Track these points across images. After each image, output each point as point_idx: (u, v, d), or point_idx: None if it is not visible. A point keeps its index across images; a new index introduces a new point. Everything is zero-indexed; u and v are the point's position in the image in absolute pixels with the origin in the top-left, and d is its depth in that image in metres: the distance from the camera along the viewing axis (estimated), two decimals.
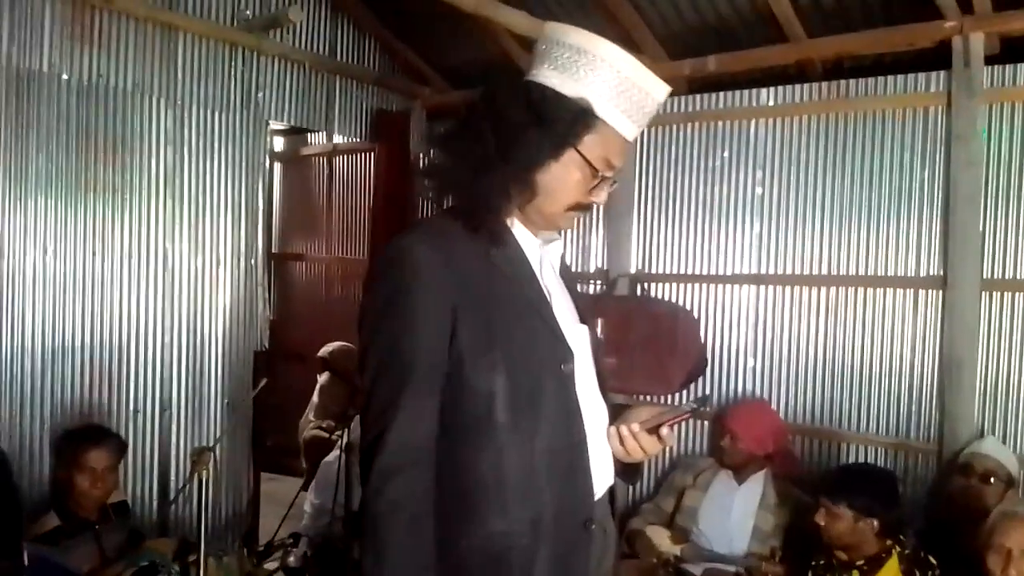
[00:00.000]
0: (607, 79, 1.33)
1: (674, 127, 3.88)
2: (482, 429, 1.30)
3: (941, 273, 3.21)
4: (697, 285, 3.83)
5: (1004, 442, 3.03)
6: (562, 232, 1.50)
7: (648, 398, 3.72)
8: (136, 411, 3.43)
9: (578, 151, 1.33)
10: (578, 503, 1.37)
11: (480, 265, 1.32)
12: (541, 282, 1.40)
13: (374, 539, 1.25)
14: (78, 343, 3.25)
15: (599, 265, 4.09)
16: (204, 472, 2.63)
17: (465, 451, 1.30)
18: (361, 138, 4.54)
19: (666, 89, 1.39)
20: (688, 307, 3.82)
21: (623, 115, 1.35)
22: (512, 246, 1.38)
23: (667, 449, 3.75)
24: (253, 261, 3.83)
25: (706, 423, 3.75)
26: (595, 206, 1.42)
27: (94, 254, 3.29)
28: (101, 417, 3.26)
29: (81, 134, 3.24)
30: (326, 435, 4.70)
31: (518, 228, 1.40)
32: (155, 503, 3.48)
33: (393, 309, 1.29)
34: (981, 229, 3.12)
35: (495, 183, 1.31)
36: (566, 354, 1.37)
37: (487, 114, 1.34)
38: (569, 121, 1.32)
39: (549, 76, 1.34)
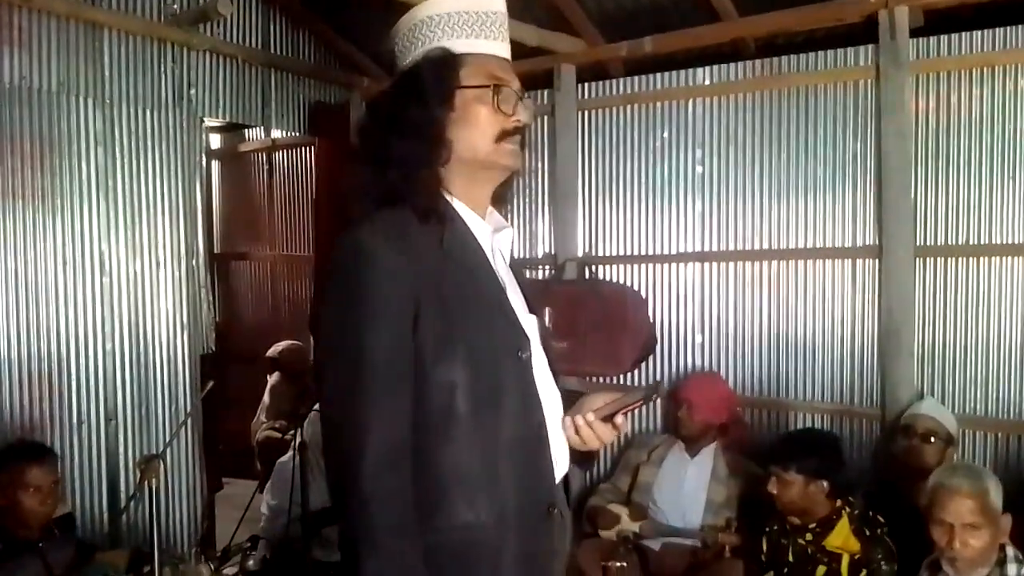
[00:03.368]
0: (442, 25, 1.37)
1: (614, 109, 3.91)
2: (445, 421, 1.29)
3: (876, 242, 3.30)
4: (644, 265, 3.87)
5: (942, 402, 3.14)
6: (505, 213, 1.50)
7: (601, 379, 3.76)
8: (80, 423, 3.33)
9: (462, 87, 1.36)
10: (540, 489, 1.38)
11: (436, 256, 1.32)
12: (495, 270, 1.40)
13: (372, 538, 1.23)
14: (14, 355, 3.14)
15: (547, 250, 4.11)
16: (154, 480, 2.57)
17: (429, 444, 1.29)
18: (300, 132, 4.47)
19: None
20: (636, 287, 3.86)
21: (479, 39, 1.39)
22: (463, 231, 1.38)
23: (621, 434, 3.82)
24: (194, 262, 3.75)
25: (659, 401, 3.80)
26: (522, 126, 1.40)
27: (26, 263, 3.18)
28: (43, 431, 3.17)
29: (5, 139, 3.12)
30: (279, 435, 4.63)
31: (466, 212, 1.40)
32: (105, 515, 3.39)
33: (356, 308, 1.27)
34: (913, 197, 3.22)
35: (411, 155, 1.33)
36: (522, 342, 1.37)
37: (375, 124, 1.40)
38: (433, 70, 1.35)
39: (403, 63, 1.41)
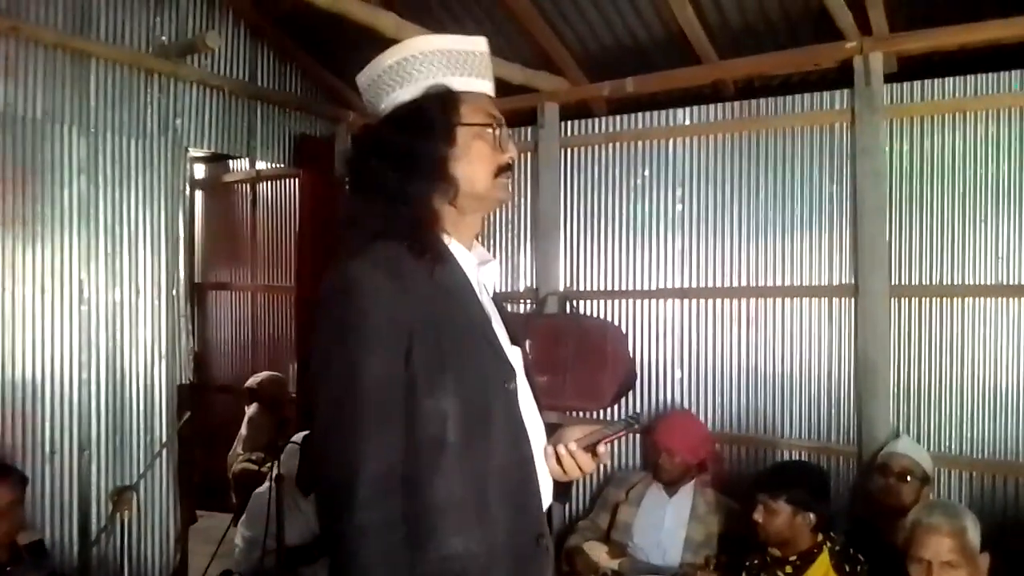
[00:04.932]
0: (434, 62, 1.41)
1: (596, 147, 3.97)
2: (436, 451, 1.30)
3: (852, 281, 3.35)
4: (624, 300, 3.90)
5: (918, 441, 3.17)
6: (491, 250, 1.53)
7: (581, 414, 3.76)
8: (53, 452, 3.28)
9: (464, 125, 1.39)
10: (530, 519, 1.39)
11: (427, 287, 1.33)
12: (482, 302, 1.43)
13: (364, 568, 1.23)
14: None
15: (528, 284, 4.13)
16: (126, 512, 2.54)
17: (420, 473, 1.29)
18: (285, 164, 4.49)
19: (482, 40, 1.47)
20: (616, 322, 3.88)
21: (471, 78, 1.43)
22: (453, 265, 1.40)
23: (601, 465, 3.80)
24: (175, 292, 3.73)
25: (637, 438, 3.81)
26: (513, 162, 1.45)
27: (4, 289, 3.16)
28: (15, 459, 3.11)
29: None
30: (256, 468, 4.59)
31: (455, 246, 1.42)
32: (76, 547, 3.32)
33: (352, 338, 1.28)
34: (888, 238, 3.27)
35: (415, 191, 1.36)
36: (509, 373, 1.39)
37: (373, 162, 1.39)
38: (438, 107, 1.38)
39: (395, 97, 1.42)
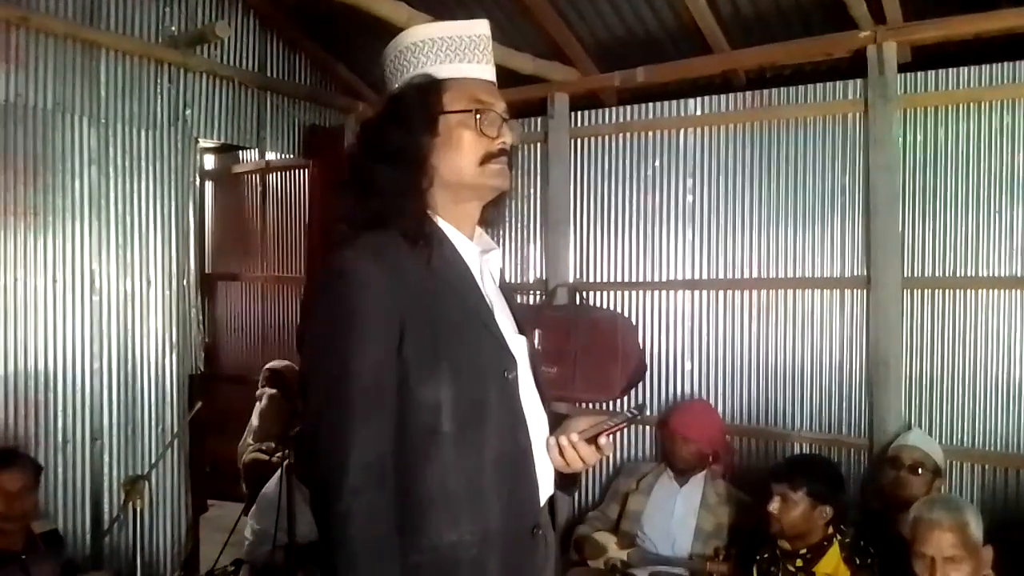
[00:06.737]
0: (426, 51, 1.40)
1: (606, 138, 3.95)
2: (429, 440, 1.30)
3: (865, 273, 3.32)
4: (634, 292, 3.89)
5: (930, 433, 3.15)
6: (496, 238, 1.51)
7: (590, 405, 3.76)
8: (66, 441, 3.30)
9: (445, 113, 1.38)
10: (525, 510, 1.38)
11: (423, 275, 1.33)
12: (482, 290, 1.42)
13: (350, 560, 1.23)
14: (0, 372, 3.12)
15: (538, 276, 4.13)
16: (138, 501, 2.56)
17: (413, 463, 1.29)
18: (294, 154, 4.49)
19: (482, 22, 1.45)
20: (626, 314, 3.87)
21: (463, 63, 1.41)
22: (450, 252, 1.39)
23: (610, 456, 3.79)
24: (185, 282, 3.74)
25: (648, 428, 3.80)
26: (509, 149, 1.41)
27: (16, 279, 3.17)
28: (28, 449, 3.14)
29: None
30: (266, 458, 4.60)
31: (453, 233, 1.41)
32: (88, 536, 3.35)
33: (342, 327, 1.28)
34: (901, 230, 3.25)
35: (395, 182, 1.35)
36: (509, 361, 1.38)
37: (362, 150, 1.42)
38: (417, 97, 1.37)
39: (393, 90, 1.43)
